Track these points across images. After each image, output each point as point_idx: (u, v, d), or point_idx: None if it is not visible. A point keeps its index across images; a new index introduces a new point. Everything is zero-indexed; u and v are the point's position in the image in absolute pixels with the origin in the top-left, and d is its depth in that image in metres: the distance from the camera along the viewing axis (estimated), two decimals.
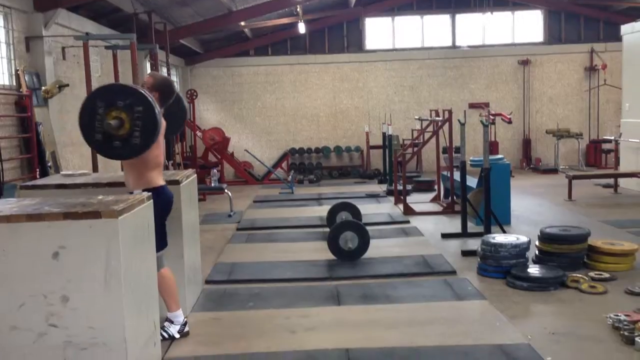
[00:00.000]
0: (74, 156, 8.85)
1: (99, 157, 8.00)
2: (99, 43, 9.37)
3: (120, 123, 3.70)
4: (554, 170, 14.09)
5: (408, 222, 8.49)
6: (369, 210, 9.22)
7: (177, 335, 4.28)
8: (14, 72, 7.45)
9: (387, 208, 9.80)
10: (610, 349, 3.93)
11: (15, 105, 7.33)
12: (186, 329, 4.36)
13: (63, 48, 8.62)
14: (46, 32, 7.85)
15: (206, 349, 4.14)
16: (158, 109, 3.83)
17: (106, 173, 7.45)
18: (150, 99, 3.80)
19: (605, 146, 14.39)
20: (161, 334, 4.13)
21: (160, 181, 4.25)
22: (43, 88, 7.66)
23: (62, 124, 8.46)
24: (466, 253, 6.48)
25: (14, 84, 7.45)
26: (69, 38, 8.50)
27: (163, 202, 4.24)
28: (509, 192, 8.15)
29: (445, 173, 10.08)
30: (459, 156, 7.85)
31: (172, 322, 4.30)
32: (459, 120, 7.88)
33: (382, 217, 8.92)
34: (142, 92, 3.82)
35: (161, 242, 4.25)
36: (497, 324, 4.44)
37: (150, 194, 3.85)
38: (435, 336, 4.24)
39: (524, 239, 5.71)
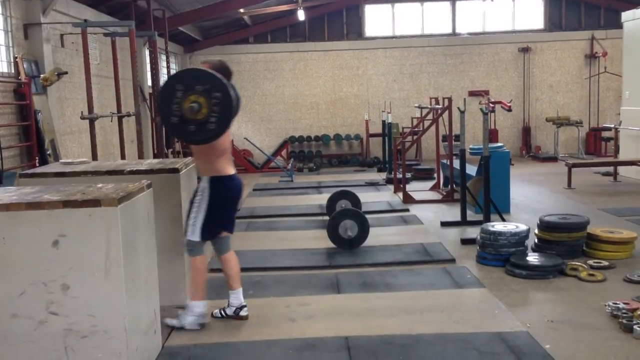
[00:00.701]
0: (73, 144, 8.84)
1: (98, 145, 8.00)
2: (98, 30, 9.33)
3: (198, 107, 3.75)
4: (553, 158, 14.09)
5: (407, 210, 8.49)
6: (369, 198, 9.22)
7: (196, 327, 4.25)
8: (12, 60, 7.42)
9: (386, 196, 9.81)
10: (608, 337, 3.94)
11: (14, 93, 7.31)
12: (204, 320, 4.32)
13: (62, 35, 8.58)
14: (44, 19, 7.81)
15: (206, 337, 4.15)
16: (234, 97, 3.87)
17: (105, 161, 7.46)
18: (228, 87, 3.85)
19: (605, 134, 14.37)
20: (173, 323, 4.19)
21: (229, 170, 4.27)
22: (42, 76, 7.63)
23: (61, 112, 8.44)
24: (465, 241, 6.49)
25: (13, 71, 7.42)
26: (68, 25, 8.47)
27: (227, 191, 4.28)
28: (508, 181, 8.15)
29: (444, 161, 10.08)
30: (458, 144, 7.85)
31: (190, 311, 4.28)
32: (458, 108, 7.87)
33: (381, 205, 8.92)
34: (221, 78, 3.85)
35: (214, 231, 4.30)
36: (496, 312, 4.45)
37: (142, 183, 3.85)
38: (435, 324, 4.26)
39: (523, 227, 5.72)
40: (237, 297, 4.47)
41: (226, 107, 3.80)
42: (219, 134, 3.91)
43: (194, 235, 4.21)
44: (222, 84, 3.81)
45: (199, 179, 4.28)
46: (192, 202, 4.24)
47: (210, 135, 3.87)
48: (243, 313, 4.46)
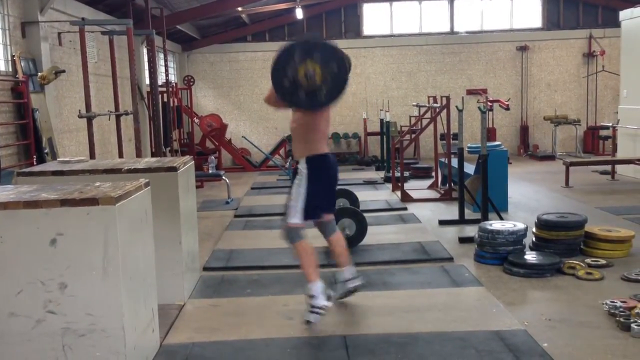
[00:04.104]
0: (71, 143, 8.83)
1: (96, 143, 7.98)
2: (95, 29, 9.31)
3: (312, 74, 3.83)
4: (551, 157, 14.10)
5: (405, 208, 8.50)
6: (367, 197, 9.22)
7: (329, 304, 4.26)
8: (10, 58, 7.40)
9: (384, 195, 9.81)
10: (606, 335, 3.95)
11: (11, 92, 7.29)
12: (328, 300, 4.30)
13: (59, 34, 8.56)
14: (42, 17, 7.79)
15: (204, 336, 4.15)
16: (348, 71, 3.96)
17: (103, 160, 7.45)
18: (347, 61, 3.94)
19: (603, 133, 14.39)
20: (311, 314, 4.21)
21: (323, 149, 4.35)
22: (39, 74, 7.61)
23: (58, 110, 8.42)
24: (463, 240, 6.49)
25: (10, 70, 7.41)
26: (65, 23, 8.44)
27: (324, 168, 4.34)
28: (506, 179, 8.15)
29: (443, 160, 10.08)
30: (456, 143, 7.85)
31: (313, 296, 4.26)
32: (456, 107, 7.87)
33: (379, 204, 8.92)
34: (341, 51, 3.94)
35: (315, 210, 4.34)
36: (493, 311, 4.46)
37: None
38: (433, 322, 4.26)
39: (521, 225, 5.72)
40: (349, 271, 4.62)
41: (339, 80, 3.88)
42: (327, 104, 3.99)
43: (296, 216, 4.24)
44: (340, 56, 3.89)
45: (296, 163, 4.38)
46: (291, 186, 4.32)
47: (317, 104, 3.96)
48: (356, 283, 4.63)
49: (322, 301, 4.25)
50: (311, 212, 4.31)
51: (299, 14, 14.02)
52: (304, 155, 4.29)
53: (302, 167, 4.28)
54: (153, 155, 10.89)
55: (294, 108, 4.20)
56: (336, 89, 3.92)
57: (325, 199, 4.45)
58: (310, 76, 3.82)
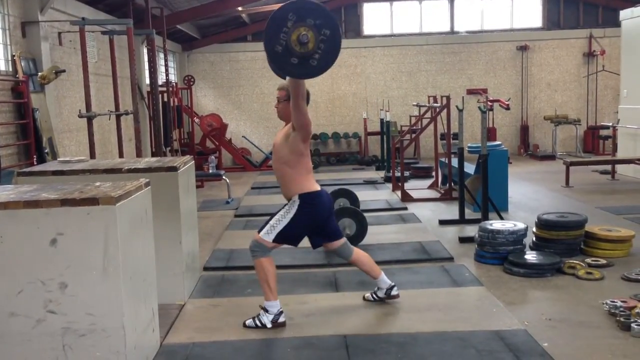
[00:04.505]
0: (71, 142, 8.83)
1: (96, 143, 7.98)
2: (96, 28, 9.31)
3: (307, 40, 3.71)
4: (551, 157, 14.10)
5: (406, 208, 8.50)
6: (367, 196, 9.22)
7: (270, 325, 4.22)
8: (10, 58, 7.40)
9: (384, 194, 9.81)
10: (606, 335, 3.95)
11: (11, 92, 7.29)
12: (281, 319, 4.27)
13: (59, 33, 8.56)
14: (42, 17, 7.79)
15: (204, 336, 4.16)
16: (341, 37, 3.85)
17: (103, 160, 7.45)
18: (339, 27, 3.83)
19: (603, 132, 14.38)
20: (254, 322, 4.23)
21: (316, 187, 4.32)
22: (39, 74, 7.61)
23: (59, 110, 8.42)
24: (463, 240, 6.49)
25: (11, 69, 7.41)
26: (65, 23, 8.44)
27: (317, 209, 4.31)
28: (506, 179, 8.15)
29: (443, 159, 10.08)
30: (457, 142, 7.85)
31: (267, 310, 4.27)
32: (457, 107, 7.87)
33: (379, 203, 8.92)
34: (333, 16, 3.83)
35: (289, 240, 4.38)
36: (494, 310, 4.46)
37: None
38: (433, 322, 4.26)
39: (521, 225, 5.72)
40: (383, 281, 4.62)
41: (332, 46, 3.77)
42: (319, 72, 3.87)
43: (269, 236, 4.25)
44: (333, 21, 3.79)
45: (288, 200, 4.33)
46: (281, 208, 4.32)
47: (310, 72, 3.83)
48: (394, 292, 4.62)
49: (269, 320, 4.22)
50: (284, 239, 4.31)
51: None
52: (298, 192, 4.25)
53: (295, 201, 4.25)
54: (153, 155, 10.89)
55: (285, 76, 4.03)
56: (329, 55, 3.80)
57: (324, 231, 4.45)
58: (303, 41, 3.71)
